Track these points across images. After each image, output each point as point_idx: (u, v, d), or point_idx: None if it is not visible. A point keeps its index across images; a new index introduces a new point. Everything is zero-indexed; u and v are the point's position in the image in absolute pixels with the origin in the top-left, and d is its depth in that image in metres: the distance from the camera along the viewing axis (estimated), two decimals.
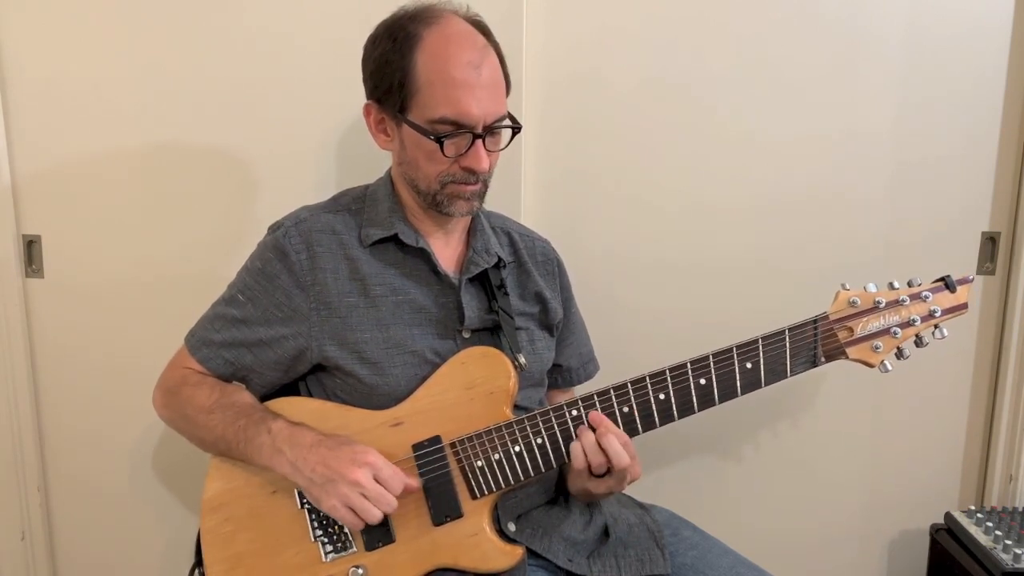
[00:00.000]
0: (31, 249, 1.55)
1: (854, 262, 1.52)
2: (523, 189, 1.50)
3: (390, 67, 1.06)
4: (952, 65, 1.46)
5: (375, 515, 1.01)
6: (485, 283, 1.18)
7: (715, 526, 1.24)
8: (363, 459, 1.01)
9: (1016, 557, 1.33)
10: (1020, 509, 1.49)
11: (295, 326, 1.12)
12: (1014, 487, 1.54)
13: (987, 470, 1.59)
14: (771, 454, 1.61)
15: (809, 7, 1.45)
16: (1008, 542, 1.36)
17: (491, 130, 1.08)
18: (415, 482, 1.06)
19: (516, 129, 1.12)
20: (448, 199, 1.10)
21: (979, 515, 1.46)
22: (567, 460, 1.08)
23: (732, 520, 1.56)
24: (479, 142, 1.06)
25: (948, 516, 1.49)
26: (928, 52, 1.46)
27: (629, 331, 1.55)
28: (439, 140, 1.05)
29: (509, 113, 1.10)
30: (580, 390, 1.33)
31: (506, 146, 1.13)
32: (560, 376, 1.33)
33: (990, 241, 1.53)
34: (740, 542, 1.21)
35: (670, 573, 1.12)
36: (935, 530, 1.51)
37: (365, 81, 1.12)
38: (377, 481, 1.01)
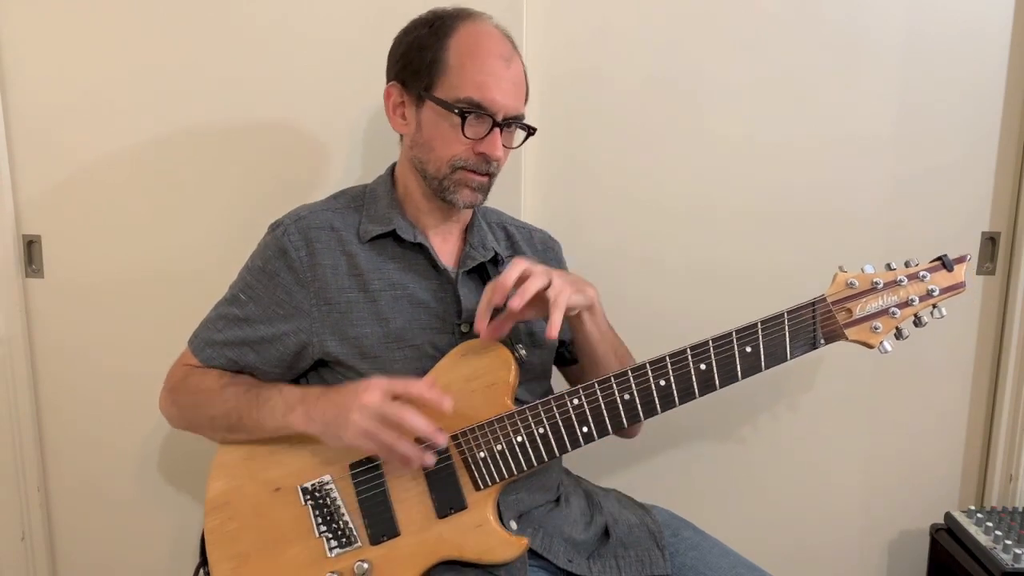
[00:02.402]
0: (31, 249, 1.55)
1: (854, 260, 1.51)
2: (523, 187, 1.50)
3: (423, 49, 1.10)
4: (952, 66, 1.46)
5: (391, 440, 0.99)
6: (483, 277, 1.19)
7: (715, 526, 1.24)
8: (367, 384, 1.01)
9: (1016, 557, 1.33)
10: (1020, 509, 1.49)
11: (296, 322, 1.13)
12: (1014, 487, 1.54)
13: (987, 470, 1.59)
14: (771, 454, 1.61)
15: (809, 8, 1.45)
16: (1008, 542, 1.36)
17: (508, 124, 1.11)
18: (437, 391, 1.02)
19: (531, 132, 1.16)
20: (455, 185, 1.12)
21: (979, 515, 1.46)
22: (569, 447, 1.08)
23: (732, 520, 1.56)
24: (497, 130, 1.09)
25: (948, 516, 1.49)
26: (928, 53, 1.46)
27: (629, 329, 1.54)
28: (463, 115, 1.07)
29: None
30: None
31: (519, 146, 1.17)
32: (568, 351, 1.32)
33: (990, 241, 1.53)
34: (740, 542, 1.21)
35: (670, 574, 1.12)
36: (935, 530, 1.51)
37: (391, 66, 1.15)
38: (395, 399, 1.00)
